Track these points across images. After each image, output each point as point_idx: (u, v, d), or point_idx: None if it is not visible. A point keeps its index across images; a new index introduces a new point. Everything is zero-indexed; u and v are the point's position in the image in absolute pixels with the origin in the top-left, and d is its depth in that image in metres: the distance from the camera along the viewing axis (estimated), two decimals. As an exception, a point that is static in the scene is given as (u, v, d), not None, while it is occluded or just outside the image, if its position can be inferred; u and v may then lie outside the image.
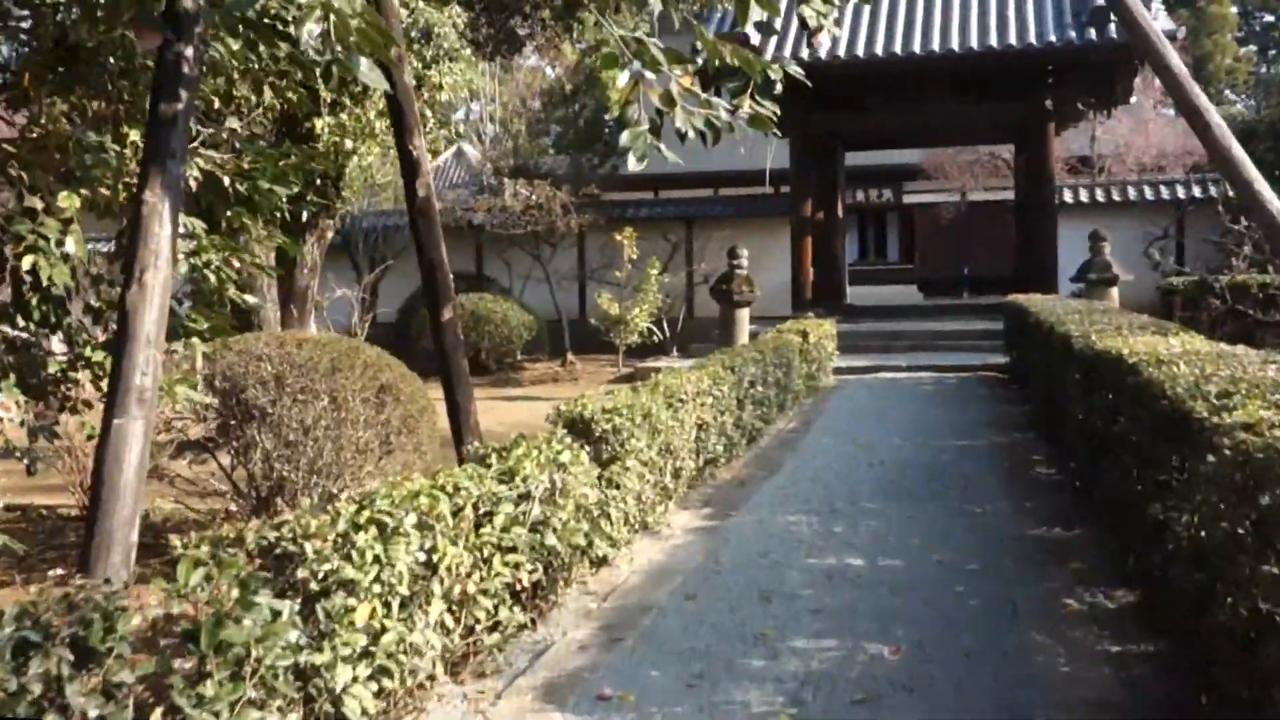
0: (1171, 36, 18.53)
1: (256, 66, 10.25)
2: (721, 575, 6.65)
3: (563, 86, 22.26)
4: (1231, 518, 3.82)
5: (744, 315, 16.85)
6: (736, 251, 16.88)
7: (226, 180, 5.73)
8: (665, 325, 22.30)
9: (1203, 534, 4.17)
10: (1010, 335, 16.23)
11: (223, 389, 7.26)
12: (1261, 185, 5.89)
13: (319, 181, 11.95)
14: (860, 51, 20.10)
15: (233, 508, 7.51)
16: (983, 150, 30.71)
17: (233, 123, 6.18)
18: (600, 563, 6.68)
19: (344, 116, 11.68)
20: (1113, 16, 18.87)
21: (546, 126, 22.91)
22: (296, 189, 5.77)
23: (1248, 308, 15.56)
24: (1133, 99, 24.05)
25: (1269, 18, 76.45)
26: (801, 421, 13.02)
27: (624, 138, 3.71)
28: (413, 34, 12.20)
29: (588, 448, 6.68)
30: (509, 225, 21.16)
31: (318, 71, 3.61)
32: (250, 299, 5.73)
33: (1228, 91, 71.44)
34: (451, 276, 6.66)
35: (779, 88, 4.41)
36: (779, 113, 4.32)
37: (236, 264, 5.60)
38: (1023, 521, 7.76)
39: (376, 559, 3.94)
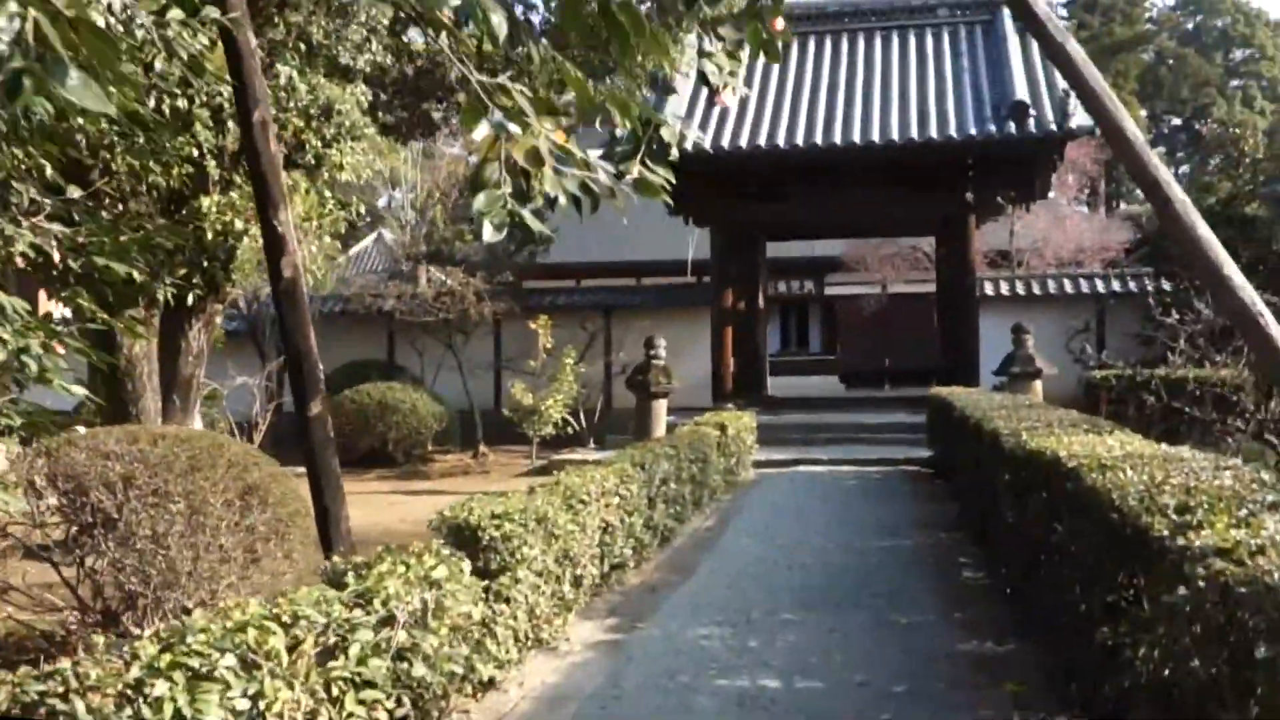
0: (1090, 132, 18.55)
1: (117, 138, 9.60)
2: (622, 701, 5.92)
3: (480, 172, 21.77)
4: (1204, 657, 3.22)
5: (661, 407, 16.26)
6: (654, 342, 16.33)
7: (57, 256, 5.00)
8: (582, 416, 21.61)
9: (1166, 672, 3.57)
10: (934, 429, 15.80)
11: (65, 490, 6.44)
12: (1231, 270, 5.39)
13: (205, 263, 11.23)
14: (781, 141, 19.86)
15: (73, 626, 6.64)
16: (904, 243, 30.73)
17: (73, 191, 5.46)
18: (486, 686, 5.93)
19: (234, 195, 10.98)
20: (1031, 111, 18.88)
21: (464, 213, 22.31)
22: (138, 266, 5.06)
23: (1183, 404, 15.26)
24: (1050, 194, 24.16)
25: (1176, 120, 78.96)
26: (719, 519, 12.37)
27: (478, 201, 3.09)
28: (312, 110, 11.58)
29: (471, 559, 5.97)
30: (420, 312, 20.44)
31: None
32: (78, 390, 4.97)
33: (1137, 191, 72.97)
34: (320, 367, 5.97)
35: (674, 153, 3.82)
36: (672, 181, 3.71)
37: (61, 350, 4.85)
38: (953, 634, 7.14)
39: (179, 714, 3.18)
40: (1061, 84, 19.48)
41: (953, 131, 19.27)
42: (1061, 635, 5.59)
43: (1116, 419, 15.71)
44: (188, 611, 5.97)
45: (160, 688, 3.18)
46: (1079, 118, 18.81)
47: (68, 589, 6.76)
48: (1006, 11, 21.76)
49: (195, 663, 3.33)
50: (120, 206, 10.67)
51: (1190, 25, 78.49)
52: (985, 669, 6.36)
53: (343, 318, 22.87)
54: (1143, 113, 70.86)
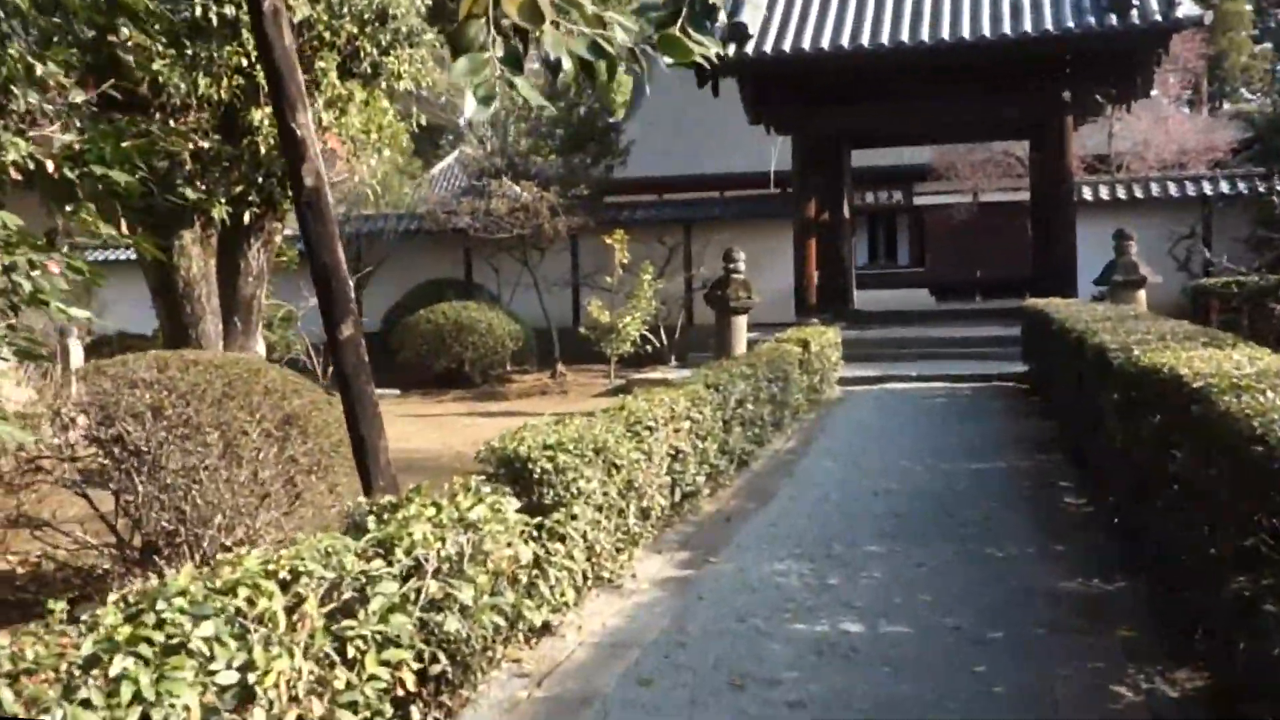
0: (1199, 23, 17.29)
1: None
2: (687, 648, 5.38)
3: (554, 82, 20.98)
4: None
5: (741, 323, 15.59)
6: (732, 254, 15.61)
7: (51, 165, 4.50)
8: (663, 333, 21.07)
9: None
10: (1029, 342, 14.95)
11: (95, 421, 6.04)
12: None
13: (260, 180, 10.78)
14: (865, 41, 18.82)
15: (108, 564, 6.27)
16: (996, 148, 29.38)
17: (77, 95, 4.94)
18: (540, 631, 5.44)
19: (287, 107, 10.45)
20: (1133, 0, 17.63)
21: (539, 125, 21.65)
22: (140, 174, 4.53)
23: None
24: (1153, 92, 22.77)
25: (1286, 13, 75.01)
26: (801, 441, 11.75)
27: (457, 68, 2.46)
28: (366, 15, 10.97)
29: (522, 494, 5.46)
30: (494, 229, 19.91)
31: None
32: (78, 312, 4.49)
33: (1243, 90, 70.10)
34: (350, 285, 5.43)
35: (721, 17, 3.15)
36: (720, 54, 3.04)
37: (56, 269, 4.36)
38: (1054, 570, 6.48)
39: (139, 698, 2.69)
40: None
41: (1048, 25, 18.06)
42: (1182, 578, 4.91)
43: (1230, 330, 14.74)
44: (227, 549, 5.56)
45: (118, 664, 2.69)
46: (1185, 6, 17.53)
47: (104, 524, 6.39)
48: (1107, -106, 20.30)
49: (159, 635, 2.83)
50: (171, 121, 10.23)
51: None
52: (1091, 611, 5.71)
53: (418, 236, 22.45)
54: (1247, 6, 67.52)
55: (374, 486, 5.49)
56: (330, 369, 19.61)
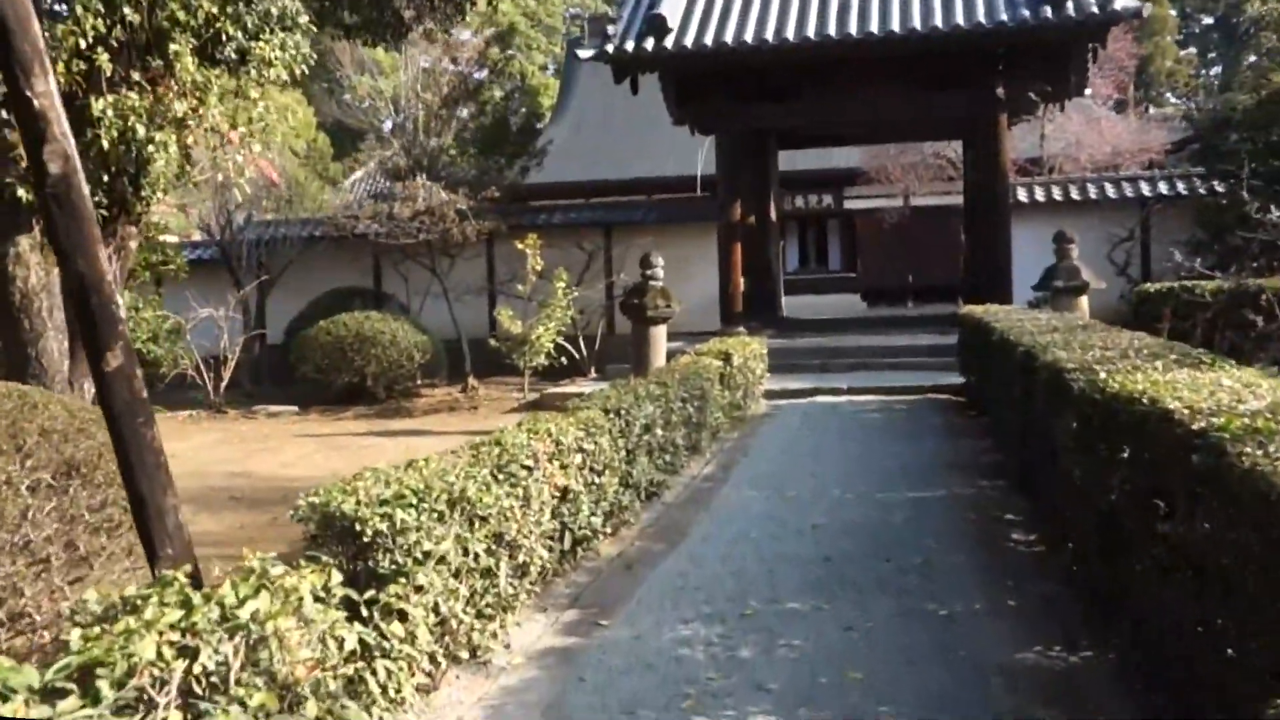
0: (1136, 14, 16.52)
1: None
2: (555, 760, 4.25)
3: (465, 80, 19.81)
4: None
5: (660, 333, 14.48)
6: (650, 260, 14.49)
7: None
8: (582, 343, 19.94)
9: None
10: (967, 353, 14.01)
11: None
12: None
13: (107, 178, 9.47)
14: (790, 34, 17.83)
15: None
16: (927, 150, 28.65)
17: None
18: (372, 739, 4.26)
19: (134, 96, 9.17)
20: (1070, -8, 16.81)
21: (448, 124, 20.39)
22: None
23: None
24: (1087, 91, 22.07)
25: (1208, 20, 75.77)
26: (721, 465, 10.65)
27: None
28: (232, -6, 9.72)
29: (353, 560, 4.31)
30: (400, 234, 18.65)
31: None
32: None
33: (1169, 94, 70.57)
34: (119, 304, 4.20)
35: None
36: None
37: None
38: (1008, 635, 5.42)
39: None
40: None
41: (980, 18, 17.18)
42: (1186, 676, 3.85)
43: (1180, 340, 13.88)
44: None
45: None
46: None
47: None
48: (1040, -115, 19.52)
49: None
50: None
51: (1224, -84, 74.97)
52: (1056, 697, 4.65)
53: (324, 243, 21.09)
54: (1172, 12, 67.94)
55: (159, 555, 4.28)
56: (224, 385, 18.33)
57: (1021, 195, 19.98)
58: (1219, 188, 18.91)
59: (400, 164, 20.27)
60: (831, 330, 20.95)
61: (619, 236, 21.47)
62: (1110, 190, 19.94)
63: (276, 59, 10.39)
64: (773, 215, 22.75)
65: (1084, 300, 14.11)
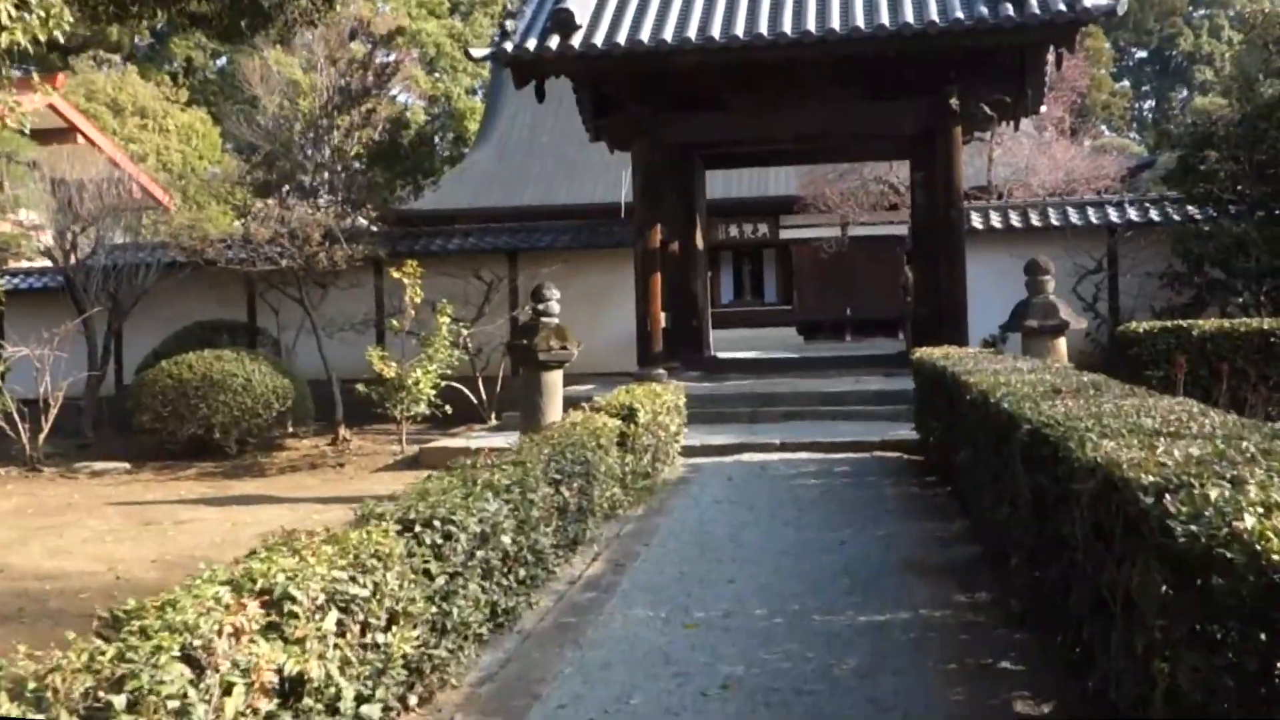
0: (1111, 13, 14.26)
1: None
2: None
3: (346, 88, 17.09)
4: None
5: (554, 380, 11.79)
6: (543, 292, 11.81)
7: None
8: (481, 386, 17.21)
9: None
10: (924, 405, 11.50)
11: None
12: None
13: None
14: (716, 33, 15.34)
15: None
16: (868, 174, 26.33)
17: None
18: None
19: None
20: (1034, -12, 14.52)
21: (327, 135, 17.57)
22: None
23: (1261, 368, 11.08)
24: (1042, 109, 19.84)
25: (1141, 54, 75.12)
26: (612, 561, 7.98)
27: None
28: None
29: None
30: (255, 260, 15.83)
31: None
32: None
33: (1103, 126, 69.44)
34: None
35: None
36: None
37: None
38: None
39: None
40: (1071, -45, 15.13)
41: (934, 16, 14.83)
42: None
43: (1164, 386, 11.48)
44: None
45: None
46: (1098, -3, 14.49)
47: None
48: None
49: None
50: None
51: (1157, -48, 74.36)
52: None
53: (189, 270, 18.12)
54: (1106, 44, 66.69)
55: None
56: (43, 436, 15.37)
57: (976, 221, 17.60)
58: (1196, 213, 16.68)
59: (260, 178, 17.42)
60: (764, 371, 18.45)
61: (526, 264, 18.80)
62: (1074, 216, 17.59)
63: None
64: (700, 243, 20.21)
65: (1062, 343, 11.67)
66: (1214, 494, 3.17)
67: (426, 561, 4.88)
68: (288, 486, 13.17)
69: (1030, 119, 22.95)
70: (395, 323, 14.69)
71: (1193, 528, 3.03)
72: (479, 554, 5.48)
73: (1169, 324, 12.13)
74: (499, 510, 5.79)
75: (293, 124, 17.79)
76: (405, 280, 14.24)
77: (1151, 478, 3.54)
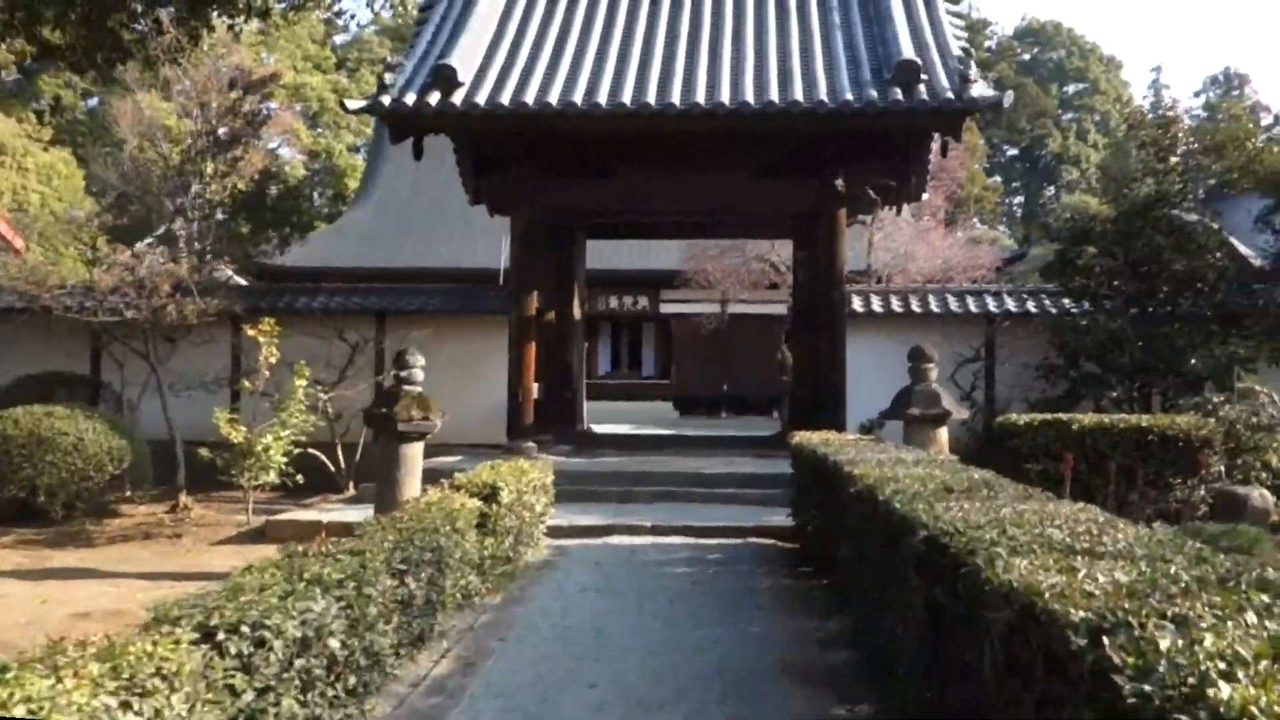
0: (997, 104, 14.23)
1: None
2: None
3: (213, 129, 16.17)
4: None
5: (414, 453, 11.00)
6: (406, 359, 11.05)
7: None
8: (340, 453, 16.28)
9: None
10: (802, 493, 11.01)
11: None
12: None
13: None
14: (603, 99, 14.92)
15: None
16: (750, 253, 26.20)
17: None
18: None
19: None
20: (922, 75, 14.44)
21: (190, 181, 16.54)
22: None
23: (1131, 462, 10.86)
24: (924, 196, 19.88)
25: (1013, 151, 77.66)
26: (462, 660, 7.22)
27: None
28: None
29: None
30: (97, 310, 14.71)
31: None
32: None
33: (975, 219, 71.45)
34: None
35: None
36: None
37: None
38: None
39: None
40: (959, 46, 15.16)
41: (823, 95, 14.64)
42: None
43: (1044, 481, 11.19)
44: None
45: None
46: (980, 86, 14.46)
47: None
48: (887, -38, 17.33)
49: None
50: None
51: (1027, 56, 77.40)
52: None
53: (26, 317, 16.84)
54: (981, 140, 68.85)
55: None
56: None
57: (857, 304, 17.39)
58: (1072, 307, 16.70)
59: (110, 221, 16.31)
60: (638, 448, 17.88)
61: (394, 327, 17.96)
62: (954, 304, 17.51)
63: None
64: (577, 313, 19.66)
65: (944, 432, 11.33)
66: (1165, 643, 2.64)
67: (230, 676, 4.11)
68: (115, 559, 12.04)
69: (908, 206, 23.10)
70: (247, 383, 13.75)
71: (1145, 686, 2.49)
72: (298, 662, 4.70)
73: (1048, 417, 11.90)
74: (327, 610, 5.02)
75: (152, 168, 16.74)
76: (260, 339, 13.33)
77: (1081, 613, 3.00)
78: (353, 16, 67.38)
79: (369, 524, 6.76)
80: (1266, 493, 11.74)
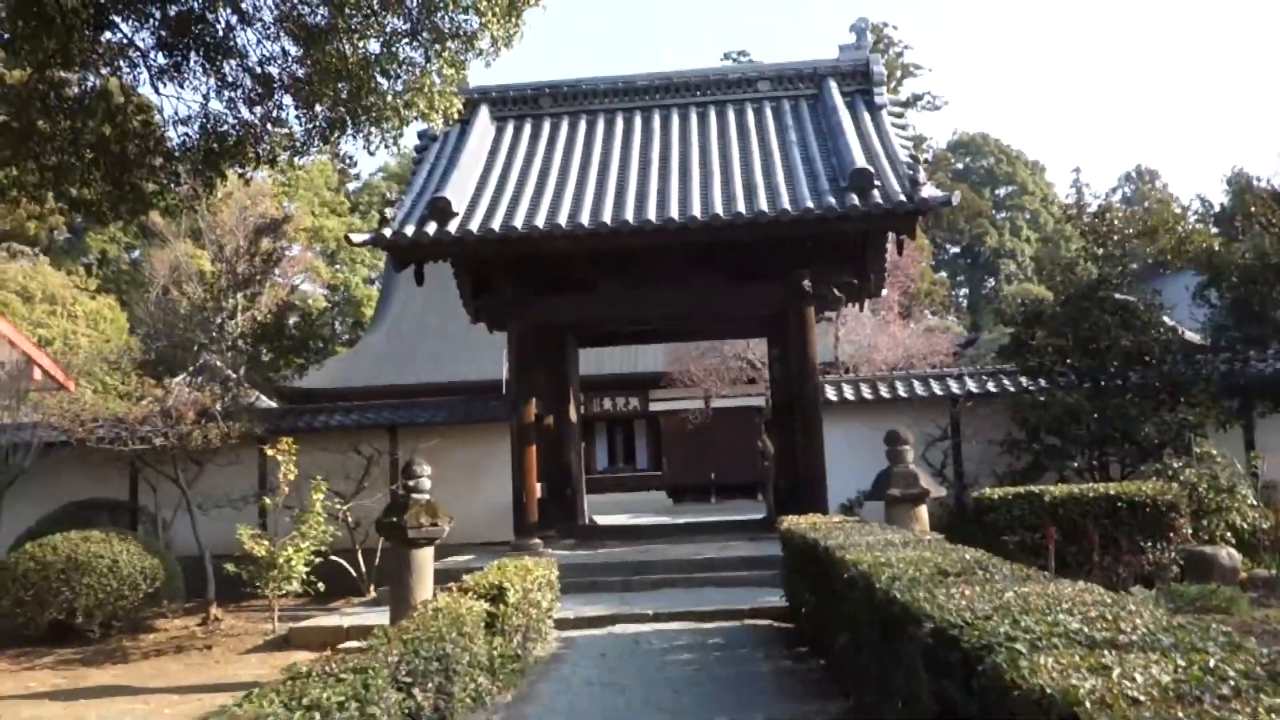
0: (946, 203, 13.91)
1: None
2: None
3: (233, 268, 15.81)
4: None
5: (425, 557, 10.36)
6: (413, 468, 10.47)
7: None
8: (361, 558, 15.58)
9: None
10: (794, 574, 10.34)
11: None
12: None
13: None
14: (585, 220, 14.56)
15: None
16: (728, 352, 25.79)
17: None
18: None
19: None
20: (875, 181, 14.13)
21: (211, 317, 16.14)
22: None
23: (1100, 528, 10.26)
24: (884, 292, 19.54)
25: (955, 248, 78.04)
26: (474, 767, 6.54)
27: None
28: None
29: None
30: (129, 440, 14.15)
31: None
32: None
33: (927, 312, 71.29)
34: None
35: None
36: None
37: None
38: None
39: None
40: (906, 154, 14.89)
41: (786, 204, 14.30)
42: None
43: (1025, 552, 10.59)
44: None
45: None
46: (928, 189, 14.14)
47: None
48: (833, 83, 17.19)
49: None
50: None
51: (961, 165, 78.14)
52: None
53: (68, 449, 16.20)
54: (927, 241, 69.16)
55: None
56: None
57: (830, 393, 16.85)
58: (1028, 384, 16.21)
59: (145, 358, 15.82)
60: (636, 538, 17.18)
61: (405, 438, 17.39)
62: (920, 388, 17.00)
63: None
64: (573, 416, 19.10)
65: (924, 510, 10.72)
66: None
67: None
68: (149, 674, 11.28)
69: (869, 302, 22.78)
70: (268, 500, 13.11)
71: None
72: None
73: (1022, 490, 11.30)
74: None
75: (179, 307, 16.31)
76: (280, 457, 12.73)
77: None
78: (354, 163, 67.86)
79: (375, 636, 6.11)
80: (1234, 551, 11.14)
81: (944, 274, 75.65)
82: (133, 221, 13.25)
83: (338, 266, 57.77)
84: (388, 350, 37.17)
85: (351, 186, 64.59)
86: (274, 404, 22.98)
